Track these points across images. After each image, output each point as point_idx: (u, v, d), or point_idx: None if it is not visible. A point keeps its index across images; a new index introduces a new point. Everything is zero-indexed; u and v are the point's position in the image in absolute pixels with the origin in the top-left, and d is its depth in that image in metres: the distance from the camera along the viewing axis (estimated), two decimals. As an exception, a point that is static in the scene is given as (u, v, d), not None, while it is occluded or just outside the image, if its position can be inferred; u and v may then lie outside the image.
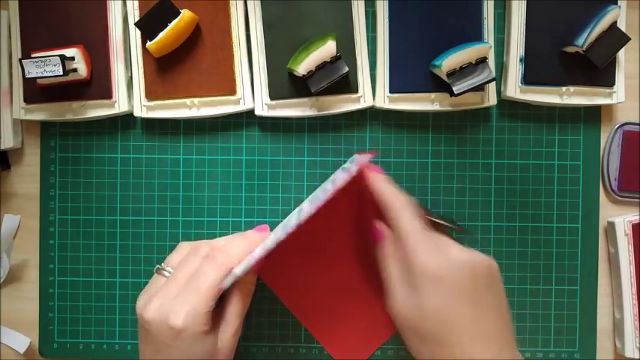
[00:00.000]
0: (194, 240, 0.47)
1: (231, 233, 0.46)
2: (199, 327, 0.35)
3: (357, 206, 0.45)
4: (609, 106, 0.47)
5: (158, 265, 0.39)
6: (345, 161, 0.47)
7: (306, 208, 0.37)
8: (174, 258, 0.39)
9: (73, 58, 0.43)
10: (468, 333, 0.32)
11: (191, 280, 0.36)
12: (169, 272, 0.38)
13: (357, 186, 0.39)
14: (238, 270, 0.36)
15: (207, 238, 0.46)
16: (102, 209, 0.47)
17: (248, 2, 0.44)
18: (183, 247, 0.40)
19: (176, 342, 0.34)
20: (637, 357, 0.45)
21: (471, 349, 0.32)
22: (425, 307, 0.33)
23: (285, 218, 0.44)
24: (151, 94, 0.45)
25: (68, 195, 0.47)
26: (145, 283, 0.46)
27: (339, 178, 0.38)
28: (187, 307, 0.35)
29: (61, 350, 0.47)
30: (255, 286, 0.40)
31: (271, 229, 0.42)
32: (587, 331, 0.46)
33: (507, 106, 0.47)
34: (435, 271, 0.33)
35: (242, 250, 0.38)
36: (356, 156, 0.43)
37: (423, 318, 0.33)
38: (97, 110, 0.45)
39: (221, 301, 0.38)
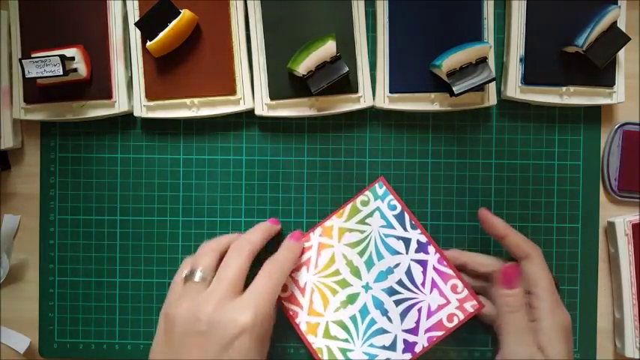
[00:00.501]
0: (193, 239, 0.47)
1: (231, 233, 0.47)
2: (264, 329, 0.35)
3: None
4: (609, 106, 0.47)
5: (187, 272, 0.38)
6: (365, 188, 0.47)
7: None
8: (204, 260, 0.39)
9: (73, 58, 0.43)
10: None
11: (255, 282, 0.37)
12: (203, 276, 0.37)
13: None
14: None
15: (207, 238, 0.47)
16: (102, 209, 0.47)
17: (248, 2, 0.44)
18: (212, 249, 0.39)
19: (237, 342, 0.34)
20: (637, 357, 0.45)
21: None
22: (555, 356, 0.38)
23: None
24: (151, 94, 0.45)
25: (68, 195, 0.47)
26: (145, 284, 0.47)
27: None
28: (254, 305, 0.35)
29: (61, 350, 0.47)
30: None
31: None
32: (587, 331, 0.46)
33: (507, 106, 0.47)
34: (558, 327, 0.39)
35: (263, 239, 0.41)
36: (381, 180, 0.43)
37: None
38: (97, 110, 0.45)
39: None
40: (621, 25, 0.44)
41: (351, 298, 0.41)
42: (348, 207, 0.43)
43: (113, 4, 0.44)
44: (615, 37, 0.43)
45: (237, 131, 0.47)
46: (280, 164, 0.47)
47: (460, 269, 0.42)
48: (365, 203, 0.42)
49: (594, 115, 0.47)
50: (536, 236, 0.46)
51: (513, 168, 0.47)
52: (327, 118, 0.47)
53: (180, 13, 0.42)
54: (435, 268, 0.42)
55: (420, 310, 0.41)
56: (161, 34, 0.42)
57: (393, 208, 0.42)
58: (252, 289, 0.37)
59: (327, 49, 0.41)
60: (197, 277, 0.37)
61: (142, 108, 0.45)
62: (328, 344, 0.41)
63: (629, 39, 0.43)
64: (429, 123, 0.47)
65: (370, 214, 0.42)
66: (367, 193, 0.43)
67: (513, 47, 0.44)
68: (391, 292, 0.41)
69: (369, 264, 0.42)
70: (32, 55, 0.42)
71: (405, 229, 0.42)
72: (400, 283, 0.41)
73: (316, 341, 0.41)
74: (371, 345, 0.41)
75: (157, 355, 0.36)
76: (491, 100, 0.45)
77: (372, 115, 0.47)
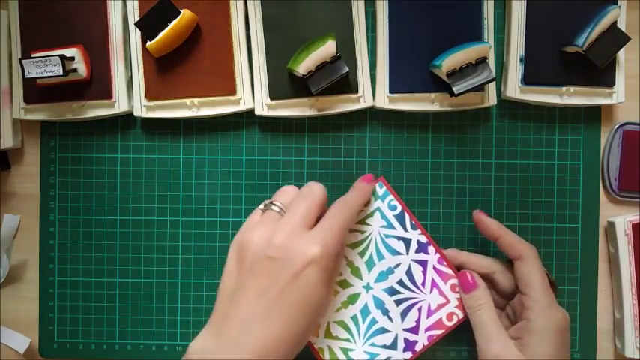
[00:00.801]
0: (193, 239, 0.47)
1: (232, 233, 0.47)
2: (331, 264, 0.35)
3: None
4: (609, 106, 0.47)
5: (267, 201, 0.38)
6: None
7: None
8: (284, 197, 0.39)
9: (73, 58, 0.43)
10: None
11: (324, 219, 0.37)
12: (280, 209, 0.38)
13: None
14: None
15: (207, 238, 0.47)
16: (102, 209, 0.47)
17: (248, 2, 0.44)
18: (291, 190, 0.40)
19: (305, 273, 0.34)
20: (637, 357, 0.45)
21: None
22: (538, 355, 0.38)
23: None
24: (151, 94, 0.45)
25: (68, 195, 0.47)
26: (145, 284, 0.47)
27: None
28: (322, 239, 0.35)
29: (61, 350, 0.47)
30: None
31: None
32: (587, 331, 0.46)
33: (507, 106, 0.47)
34: (550, 328, 0.39)
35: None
36: (381, 181, 0.43)
37: None
38: (97, 110, 0.45)
39: None
40: (621, 25, 0.44)
41: (352, 298, 0.41)
42: None
43: (113, 4, 0.44)
44: (615, 37, 0.43)
45: (237, 131, 0.47)
46: (280, 164, 0.47)
47: (458, 269, 0.42)
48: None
49: (594, 115, 0.47)
50: (536, 236, 0.46)
51: (513, 168, 0.47)
52: (327, 118, 0.47)
53: (180, 13, 0.42)
54: (435, 268, 0.42)
55: (420, 310, 0.42)
56: (161, 34, 0.42)
57: (394, 208, 0.42)
58: (321, 224, 0.37)
59: (327, 49, 0.41)
60: (274, 208, 0.38)
61: (142, 108, 0.45)
62: (330, 344, 0.41)
63: (629, 39, 0.43)
64: (429, 123, 0.47)
65: (370, 215, 0.42)
66: None
67: (513, 47, 0.44)
68: (392, 291, 0.42)
69: (370, 264, 0.42)
70: (32, 55, 0.42)
71: (405, 229, 0.42)
72: (401, 282, 0.42)
73: (318, 341, 0.41)
74: (372, 344, 0.41)
75: (228, 281, 0.36)
76: (492, 100, 0.45)
77: (372, 115, 0.47)
